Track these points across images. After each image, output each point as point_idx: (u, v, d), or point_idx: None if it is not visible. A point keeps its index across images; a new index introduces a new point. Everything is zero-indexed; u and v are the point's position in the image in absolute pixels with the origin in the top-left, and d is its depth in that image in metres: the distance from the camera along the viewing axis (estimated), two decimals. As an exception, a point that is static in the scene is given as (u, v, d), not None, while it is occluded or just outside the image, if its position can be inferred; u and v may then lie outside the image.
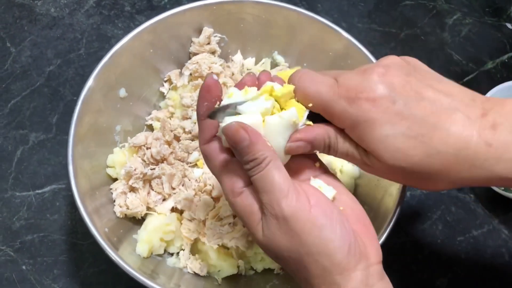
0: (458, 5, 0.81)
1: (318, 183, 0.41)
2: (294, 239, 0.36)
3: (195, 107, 0.60)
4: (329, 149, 0.41)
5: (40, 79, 0.73)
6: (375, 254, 0.39)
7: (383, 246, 0.49)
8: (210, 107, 0.40)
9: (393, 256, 0.62)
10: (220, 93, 0.40)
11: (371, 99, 0.37)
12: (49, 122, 0.70)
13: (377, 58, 0.59)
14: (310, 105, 0.40)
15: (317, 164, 0.43)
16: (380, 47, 0.78)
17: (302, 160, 0.42)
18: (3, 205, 0.64)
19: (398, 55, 0.75)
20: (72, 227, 0.63)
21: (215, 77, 0.39)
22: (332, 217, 0.37)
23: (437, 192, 0.67)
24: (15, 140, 0.68)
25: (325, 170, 0.43)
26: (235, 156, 0.39)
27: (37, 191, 0.65)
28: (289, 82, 0.41)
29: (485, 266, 0.63)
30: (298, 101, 0.41)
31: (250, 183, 0.39)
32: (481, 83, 0.75)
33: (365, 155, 0.40)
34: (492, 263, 0.64)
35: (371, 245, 0.39)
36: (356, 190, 0.61)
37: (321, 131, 0.40)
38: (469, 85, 0.74)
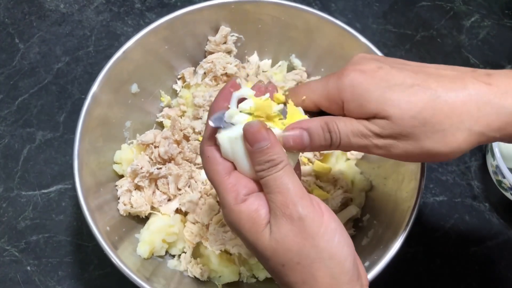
0: (476, 6, 0.79)
1: None
2: (306, 242, 0.35)
3: (207, 107, 0.59)
4: (330, 136, 0.39)
5: (48, 76, 0.72)
6: (365, 278, 0.38)
7: (394, 255, 0.48)
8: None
9: (405, 266, 0.61)
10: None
11: (358, 70, 0.38)
12: (57, 121, 0.69)
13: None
14: (304, 97, 0.41)
15: None
16: (395, 49, 0.76)
17: None
18: (8, 204, 0.64)
19: (414, 57, 0.75)
20: (77, 228, 0.62)
21: (239, 80, 0.40)
22: (340, 225, 0.37)
23: (451, 201, 0.65)
24: (22, 138, 0.68)
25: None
26: (235, 168, 0.39)
27: (43, 191, 0.65)
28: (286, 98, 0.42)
29: (500, 279, 0.61)
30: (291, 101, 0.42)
31: (253, 192, 0.38)
32: (498, 88, 0.73)
33: (370, 124, 0.38)
34: (507, 276, 0.62)
35: (362, 268, 0.38)
36: (367, 203, 0.59)
37: (316, 118, 0.39)
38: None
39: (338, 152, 0.60)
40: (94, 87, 0.54)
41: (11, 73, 0.72)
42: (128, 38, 0.58)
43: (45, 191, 0.65)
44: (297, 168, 0.43)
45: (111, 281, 0.60)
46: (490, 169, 0.64)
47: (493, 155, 0.61)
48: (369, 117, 0.38)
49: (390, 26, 0.78)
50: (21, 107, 0.70)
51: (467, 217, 0.65)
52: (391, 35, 0.77)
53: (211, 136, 0.39)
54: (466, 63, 0.74)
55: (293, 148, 0.39)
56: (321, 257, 0.35)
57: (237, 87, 0.40)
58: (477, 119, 0.36)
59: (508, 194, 0.62)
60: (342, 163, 0.60)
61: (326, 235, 0.35)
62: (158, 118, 0.64)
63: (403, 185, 0.53)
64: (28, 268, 0.60)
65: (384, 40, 0.76)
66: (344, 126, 0.38)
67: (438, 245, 0.63)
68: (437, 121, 0.36)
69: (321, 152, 0.59)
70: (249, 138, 0.37)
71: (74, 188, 0.51)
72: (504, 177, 0.60)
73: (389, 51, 0.75)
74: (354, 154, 0.61)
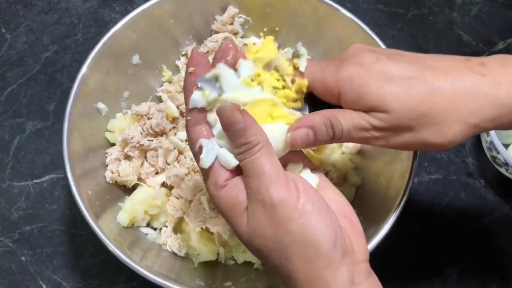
0: (468, -17, 0.78)
1: (304, 172, 0.40)
2: (279, 227, 0.35)
3: None
4: (333, 132, 0.39)
5: (37, 65, 0.71)
6: (362, 252, 0.37)
7: (390, 234, 0.48)
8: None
9: (401, 245, 0.61)
10: (209, 67, 0.39)
11: (356, 62, 0.38)
12: (47, 110, 0.68)
13: (383, 40, 0.57)
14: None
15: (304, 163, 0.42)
16: (387, 28, 0.75)
17: (288, 156, 0.41)
18: (1, 195, 0.63)
19: (406, 36, 0.74)
20: (71, 217, 0.62)
21: (200, 49, 0.39)
22: (320, 206, 0.36)
23: (446, 179, 0.65)
24: (12, 129, 0.67)
25: (311, 165, 0.42)
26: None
27: (35, 181, 0.64)
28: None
29: (497, 255, 0.61)
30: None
31: (234, 176, 0.37)
32: (491, 65, 0.72)
33: (370, 117, 0.38)
34: (503, 251, 0.62)
35: (358, 241, 0.37)
36: (355, 198, 0.58)
37: (318, 114, 0.39)
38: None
39: (333, 145, 0.60)
40: (94, 51, 0.54)
41: (-2, 64, 0.71)
42: (114, 26, 0.57)
43: (37, 181, 0.64)
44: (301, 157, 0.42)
45: (107, 268, 0.59)
46: (485, 145, 0.64)
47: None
48: (367, 110, 0.38)
49: (381, 5, 0.77)
50: (10, 98, 0.69)
51: (462, 194, 0.65)
52: (382, 14, 0.76)
53: (197, 116, 0.38)
54: (458, 40, 0.74)
55: (300, 147, 0.39)
56: (295, 242, 0.34)
57: (205, 59, 0.39)
58: (472, 112, 0.37)
59: (502, 170, 0.62)
60: (337, 156, 0.60)
61: (300, 219, 0.34)
62: (157, 92, 0.63)
63: (392, 183, 0.52)
64: (23, 258, 0.60)
65: (375, 20, 0.75)
66: (346, 122, 0.39)
67: (434, 223, 0.63)
68: (434, 114, 0.37)
69: None
70: (223, 121, 0.36)
71: (66, 178, 0.50)
72: (498, 153, 0.60)
73: (380, 30, 0.74)
74: (349, 148, 0.60)
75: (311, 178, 0.39)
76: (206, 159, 0.37)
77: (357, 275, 0.35)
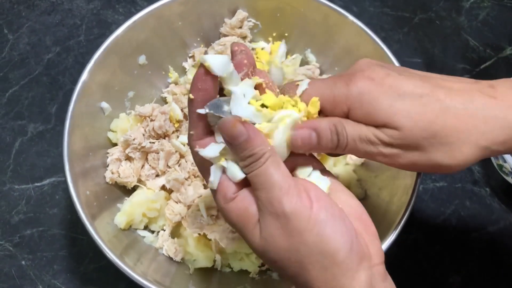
0: (476, -13, 0.77)
1: (313, 174, 0.39)
2: (294, 239, 0.34)
3: None
4: (338, 139, 0.38)
5: (39, 67, 0.70)
6: (377, 254, 0.36)
7: (394, 242, 0.47)
8: (206, 96, 0.36)
9: (405, 253, 0.60)
10: (216, 91, 0.37)
11: (366, 77, 0.38)
12: (48, 112, 0.67)
13: (389, 44, 0.56)
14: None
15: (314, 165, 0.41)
16: (393, 33, 0.74)
17: (297, 158, 0.39)
18: (1, 198, 0.63)
19: (412, 41, 0.73)
20: (72, 221, 0.61)
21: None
22: (333, 213, 0.35)
23: (452, 187, 0.64)
24: (13, 131, 0.66)
25: (321, 166, 0.41)
26: None
27: (36, 184, 0.63)
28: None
29: (501, 264, 0.61)
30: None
31: (243, 187, 0.37)
32: (498, 70, 0.71)
33: (379, 132, 0.37)
34: (508, 261, 0.61)
35: (373, 244, 0.37)
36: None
37: (325, 119, 0.38)
38: (487, 72, 0.71)
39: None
40: (100, 50, 0.54)
41: (0, 65, 0.70)
42: (119, 26, 0.56)
43: (38, 184, 0.64)
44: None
45: (107, 274, 0.59)
46: (491, 153, 0.63)
47: (493, 139, 0.60)
48: (377, 126, 0.37)
49: (387, 9, 0.76)
50: (12, 99, 0.68)
51: (467, 203, 0.64)
52: (389, 18, 0.75)
53: (198, 127, 0.37)
54: (465, 45, 0.73)
55: (300, 148, 0.38)
56: (311, 252, 0.34)
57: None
58: (483, 133, 0.36)
59: (509, 179, 0.61)
60: (341, 167, 0.59)
61: (315, 229, 0.34)
62: (163, 93, 0.63)
63: (395, 198, 0.51)
64: (23, 262, 0.60)
65: (382, 24, 0.74)
66: (353, 130, 0.38)
67: (438, 231, 0.62)
68: (446, 134, 0.36)
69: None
70: (226, 135, 0.35)
71: (67, 181, 0.50)
72: (505, 161, 0.59)
73: (386, 34, 0.73)
74: (353, 160, 0.59)
75: (322, 181, 0.38)
76: (215, 180, 0.36)
77: (374, 279, 0.35)
